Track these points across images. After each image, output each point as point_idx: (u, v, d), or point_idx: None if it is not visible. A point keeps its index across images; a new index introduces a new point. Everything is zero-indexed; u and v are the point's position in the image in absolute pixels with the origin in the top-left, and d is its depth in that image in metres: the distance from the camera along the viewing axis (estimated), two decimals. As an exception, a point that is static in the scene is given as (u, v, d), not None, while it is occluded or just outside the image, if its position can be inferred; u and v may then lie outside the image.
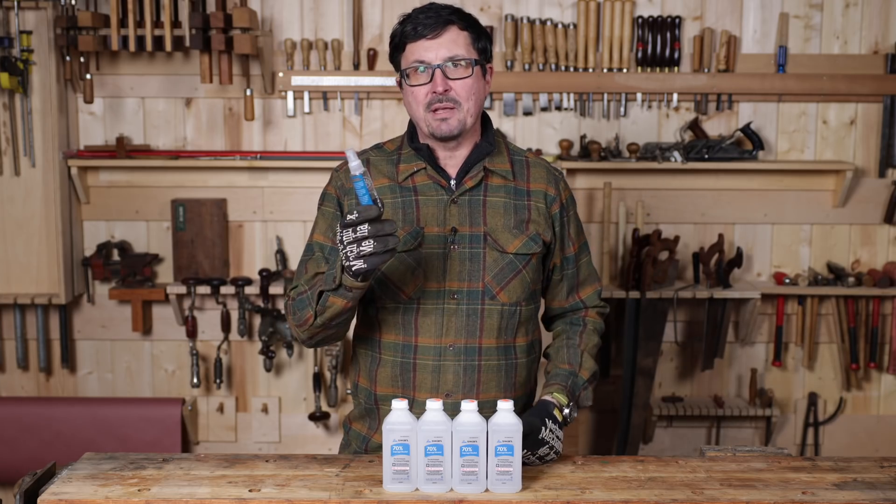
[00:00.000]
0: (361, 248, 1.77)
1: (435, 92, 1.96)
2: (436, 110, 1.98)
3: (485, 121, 2.11)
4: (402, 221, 2.02)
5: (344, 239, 1.78)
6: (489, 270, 2.02)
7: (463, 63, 1.97)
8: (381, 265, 1.82)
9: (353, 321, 2.14)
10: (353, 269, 1.79)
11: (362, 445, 2.12)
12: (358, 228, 1.76)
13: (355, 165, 1.77)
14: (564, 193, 2.12)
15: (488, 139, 2.08)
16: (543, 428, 1.89)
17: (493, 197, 2.05)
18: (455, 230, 2.02)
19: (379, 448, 2.05)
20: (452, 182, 2.05)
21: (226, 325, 3.63)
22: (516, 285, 2.04)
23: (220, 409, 3.74)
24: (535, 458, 1.87)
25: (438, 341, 2.01)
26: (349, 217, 1.76)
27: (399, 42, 2.01)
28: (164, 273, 3.68)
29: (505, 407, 1.77)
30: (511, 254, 2.03)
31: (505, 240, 2.03)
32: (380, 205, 1.78)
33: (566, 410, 1.98)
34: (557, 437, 1.92)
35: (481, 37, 2.03)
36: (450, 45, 1.97)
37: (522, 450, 1.80)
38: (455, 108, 1.98)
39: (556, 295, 2.17)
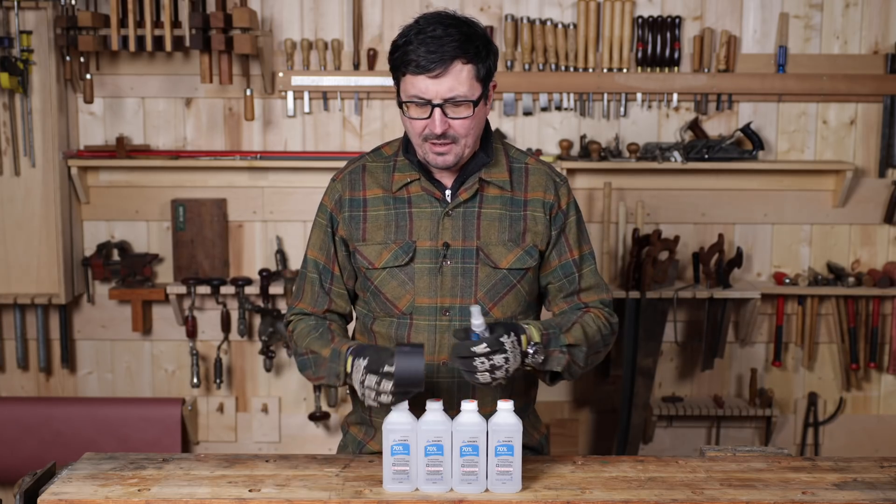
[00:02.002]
0: (380, 399, 1.80)
1: (432, 131, 1.90)
2: (433, 143, 1.92)
3: (484, 130, 2.03)
4: (394, 234, 1.99)
5: (365, 382, 1.80)
6: (482, 286, 1.98)
7: (464, 103, 1.89)
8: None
9: (351, 328, 2.15)
10: (366, 403, 1.84)
11: (358, 450, 2.12)
12: (383, 385, 1.79)
13: (477, 325, 1.80)
14: (564, 199, 2.05)
15: (486, 150, 2.02)
16: (506, 336, 1.80)
17: (489, 209, 2.00)
18: (447, 245, 1.98)
19: (374, 454, 2.05)
20: (447, 193, 2.00)
21: (226, 325, 3.62)
22: (511, 300, 2.00)
23: (220, 409, 3.74)
24: (487, 365, 1.78)
25: (432, 358, 1.99)
26: (385, 368, 1.77)
27: (398, 66, 1.91)
28: (164, 273, 3.68)
29: (505, 407, 1.77)
30: (504, 269, 1.99)
31: (498, 255, 1.99)
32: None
33: (532, 348, 1.86)
34: (512, 357, 1.81)
35: (486, 60, 1.92)
36: (452, 83, 1.87)
37: (476, 352, 1.77)
38: (453, 144, 1.92)
39: (554, 302, 2.09)
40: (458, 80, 1.87)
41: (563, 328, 1.95)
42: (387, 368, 1.78)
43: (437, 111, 1.88)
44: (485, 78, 1.92)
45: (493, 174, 2.02)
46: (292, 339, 2.06)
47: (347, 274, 2.07)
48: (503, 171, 2.03)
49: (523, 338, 1.85)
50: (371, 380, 1.79)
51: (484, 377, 1.79)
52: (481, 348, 1.77)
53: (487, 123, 2.05)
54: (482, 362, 1.78)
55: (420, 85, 1.87)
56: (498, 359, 1.78)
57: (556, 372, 1.95)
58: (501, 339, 1.79)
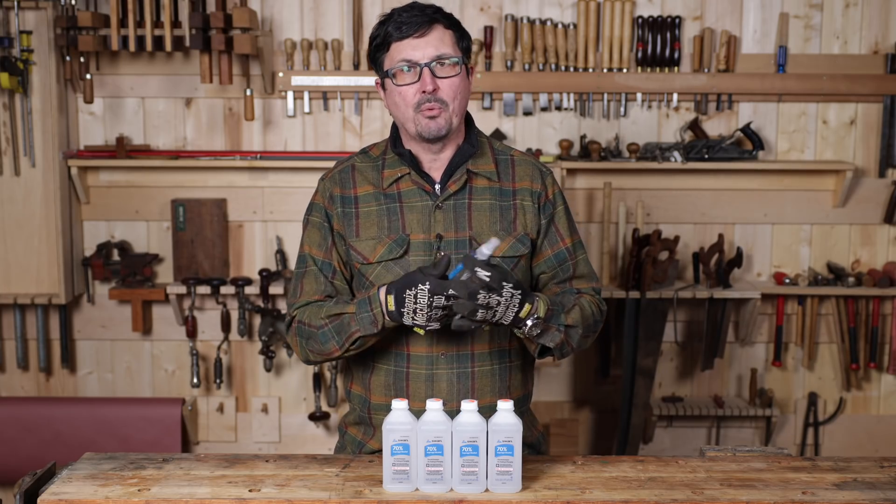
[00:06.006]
0: (447, 317, 1.82)
1: (424, 91, 1.94)
2: (424, 109, 1.96)
3: (468, 122, 2.09)
4: (387, 229, 2.01)
5: (434, 302, 1.81)
6: None
7: (450, 62, 1.96)
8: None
9: None
10: (427, 328, 1.86)
11: (357, 450, 2.12)
12: (450, 300, 1.80)
13: (486, 253, 1.81)
14: (551, 189, 2.09)
15: (471, 141, 2.06)
16: (512, 287, 1.82)
17: (478, 200, 2.03)
18: (440, 237, 2.00)
19: (373, 453, 2.05)
20: (437, 186, 2.03)
21: (226, 325, 3.62)
22: None
23: (220, 409, 3.74)
24: (486, 300, 1.79)
25: (430, 350, 2.00)
26: (451, 291, 1.79)
27: (382, 42, 1.98)
28: (164, 273, 3.68)
29: (505, 407, 1.77)
30: (498, 257, 2.00)
31: None
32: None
33: (532, 319, 1.88)
34: (503, 309, 1.83)
35: (464, 36, 2.02)
36: (437, 43, 1.95)
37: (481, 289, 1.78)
38: (443, 108, 1.96)
39: (547, 289, 2.09)
40: (441, 41, 1.96)
41: (566, 308, 1.98)
42: (452, 292, 1.80)
43: (426, 70, 1.95)
44: (465, 50, 2.02)
45: (480, 165, 2.05)
46: (302, 325, 2.01)
47: (346, 269, 2.07)
48: (489, 163, 2.07)
49: (527, 306, 1.87)
50: (440, 300, 1.81)
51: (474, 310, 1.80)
52: (483, 274, 1.79)
53: (470, 116, 2.10)
54: (483, 293, 1.79)
55: (406, 49, 1.96)
56: (493, 299, 1.81)
57: (546, 347, 1.98)
58: (504, 283, 1.81)
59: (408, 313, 1.84)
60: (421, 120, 1.97)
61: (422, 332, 1.90)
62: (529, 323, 1.88)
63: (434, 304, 1.81)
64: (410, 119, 1.98)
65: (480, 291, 1.79)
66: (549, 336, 1.93)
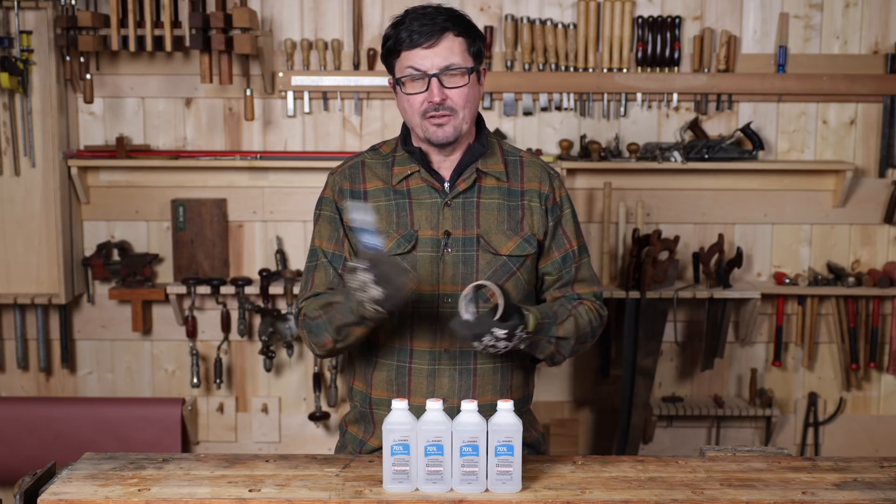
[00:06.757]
0: (371, 294, 1.80)
1: (431, 101, 1.96)
2: (431, 117, 1.97)
3: (479, 122, 2.10)
4: (395, 225, 2.02)
5: (352, 285, 1.81)
6: (482, 273, 2.01)
7: (458, 72, 1.96)
8: (400, 304, 1.85)
9: None
10: (369, 315, 1.85)
11: (358, 448, 2.12)
12: (359, 275, 1.79)
13: (355, 218, 1.81)
14: (559, 192, 2.10)
15: (481, 140, 2.07)
16: (519, 331, 1.86)
17: (487, 199, 2.05)
18: (448, 234, 2.01)
19: (374, 451, 2.05)
20: (446, 184, 2.05)
21: (226, 325, 3.62)
22: (511, 287, 2.02)
23: (220, 409, 3.74)
24: (485, 338, 1.84)
25: (433, 346, 2.01)
26: (348, 264, 1.80)
27: (393, 47, 1.99)
28: (164, 273, 3.68)
29: (505, 407, 1.77)
30: (504, 256, 2.02)
31: (498, 242, 2.02)
32: (380, 248, 1.82)
33: (522, 333, 1.89)
34: (504, 339, 1.87)
35: (476, 40, 2.01)
36: (446, 53, 1.95)
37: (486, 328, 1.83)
38: (451, 116, 1.97)
39: (549, 291, 2.11)
40: (451, 50, 1.96)
41: (558, 319, 2.00)
42: (354, 263, 1.83)
43: (434, 81, 1.95)
44: (476, 55, 2.01)
45: (490, 165, 2.07)
46: (306, 319, 2.01)
47: None
48: (499, 163, 2.08)
49: (520, 327, 1.89)
50: (354, 280, 1.82)
51: (478, 346, 1.87)
52: (501, 333, 1.84)
53: (481, 116, 2.11)
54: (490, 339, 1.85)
55: (415, 58, 1.96)
56: (501, 343, 1.86)
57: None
58: (515, 332, 1.86)
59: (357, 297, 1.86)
60: (428, 127, 1.99)
61: (377, 314, 1.88)
62: (522, 336, 1.90)
63: (353, 284, 1.82)
64: (418, 125, 2.00)
65: (485, 335, 1.85)
66: (539, 348, 1.98)
